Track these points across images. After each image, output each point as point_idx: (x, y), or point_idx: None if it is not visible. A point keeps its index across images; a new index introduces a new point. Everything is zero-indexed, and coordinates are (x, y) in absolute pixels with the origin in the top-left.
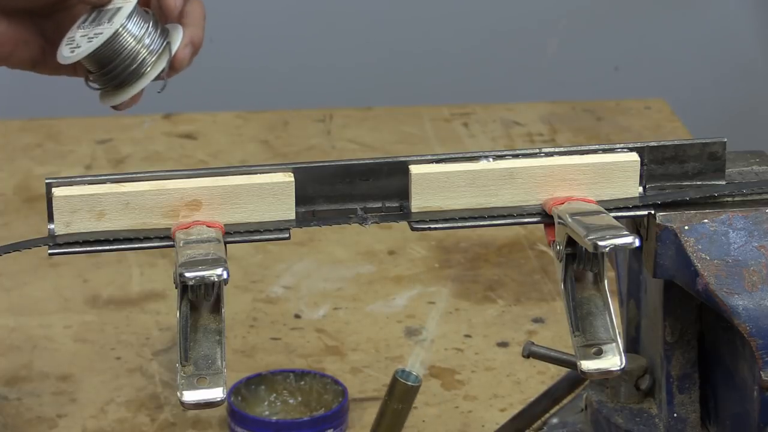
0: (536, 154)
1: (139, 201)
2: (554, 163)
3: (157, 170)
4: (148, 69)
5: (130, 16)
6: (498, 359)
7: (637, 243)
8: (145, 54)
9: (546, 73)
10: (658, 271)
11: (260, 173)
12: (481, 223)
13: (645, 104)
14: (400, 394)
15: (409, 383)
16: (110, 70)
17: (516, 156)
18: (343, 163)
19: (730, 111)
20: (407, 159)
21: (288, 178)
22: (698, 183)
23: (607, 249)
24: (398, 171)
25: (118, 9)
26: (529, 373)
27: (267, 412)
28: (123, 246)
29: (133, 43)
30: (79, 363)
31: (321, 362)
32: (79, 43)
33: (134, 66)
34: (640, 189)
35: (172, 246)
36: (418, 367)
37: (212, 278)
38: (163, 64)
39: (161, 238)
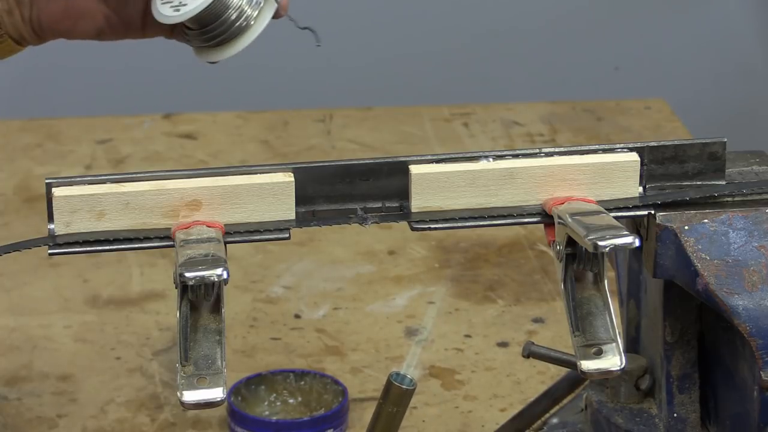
0: (536, 154)
1: (139, 201)
2: (554, 163)
3: (157, 170)
4: (252, 23)
5: None
6: (498, 359)
7: (637, 243)
8: (248, 9)
9: (546, 73)
10: (658, 271)
11: (260, 173)
12: (481, 223)
13: (645, 104)
14: (394, 398)
15: (404, 386)
16: (214, 27)
17: (516, 156)
18: (343, 163)
19: (730, 111)
20: (407, 159)
21: (288, 178)
22: (698, 183)
23: (607, 249)
24: (398, 171)
25: None
26: (529, 373)
27: (267, 412)
28: (123, 246)
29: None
30: (79, 363)
31: (321, 362)
32: (184, 1)
33: (239, 22)
34: (640, 189)
35: (172, 246)
36: (413, 370)
37: (212, 278)
38: (267, 19)
39: (161, 238)
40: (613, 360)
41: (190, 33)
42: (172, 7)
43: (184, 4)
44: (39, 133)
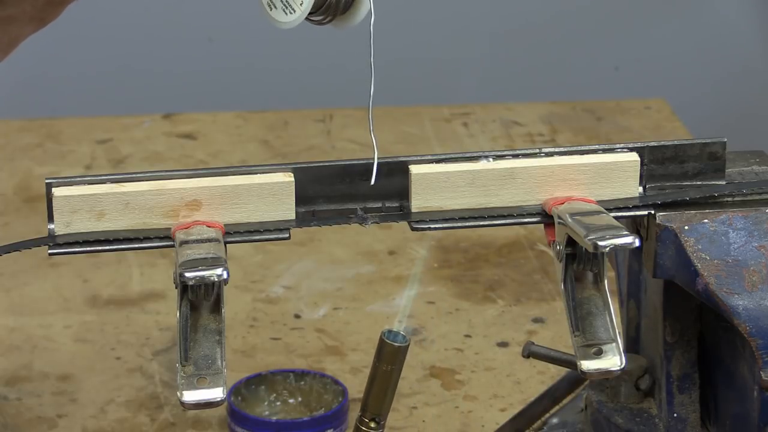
0: (536, 154)
1: (139, 201)
2: (554, 163)
3: (157, 170)
4: None
5: None
6: (498, 359)
7: (637, 243)
8: None
9: (546, 73)
10: (658, 271)
11: (260, 173)
12: (481, 223)
13: (645, 104)
14: (388, 356)
15: (397, 344)
16: (331, 3)
17: (516, 156)
18: (343, 163)
19: (730, 111)
20: (407, 159)
21: (288, 178)
22: (698, 183)
23: (607, 249)
24: (398, 171)
25: None
26: (529, 373)
27: (267, 412)
28: (123, 246)
29: None
30: (79, 363)
31: (321, 362)
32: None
33: None
34: (640, 189)
35: (172, 246)
36: (404, 325)
37: (212, 278)
38: None
39: (161, 238)
40: (613, 360)
41: (313, 20)
42: (283, 10)
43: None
44: (39, 133)
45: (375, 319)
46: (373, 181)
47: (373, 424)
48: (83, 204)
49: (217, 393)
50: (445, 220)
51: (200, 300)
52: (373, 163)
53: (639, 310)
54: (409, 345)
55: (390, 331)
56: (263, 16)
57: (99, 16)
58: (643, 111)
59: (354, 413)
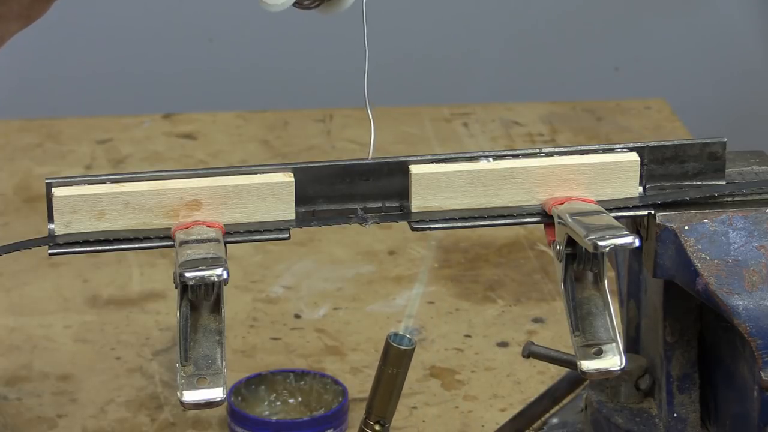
0: (536, 154)
1: (139, 201)
2: (554, 163)
3: (157, 170)
4: None
5: None
6: (498, 359)
7: (637, 243)
8: None
9: (546, 73)
10: (658, 271)
11: (260, 173)
12: (481, 223)
13: (645, 104)
14: (393, 359)
15: (402, 347)
16: None
17: (516, 156)
18: (343, 163)
19: (730, 111)
20: (407, 159)
21: (288, 178)
22: (698, 183)
23: (607, 249)
24: (398, 171)
25: None
26: (529, 373)
27: (267, 412)
28: (123, 246)
29: None
30: (79, 363)
31: (321, 362)
32: None
33: None
34: (640, 189)
35: (172, 246)
36: (411, 327)
37: (212, 278)
38: None
39: (161, 238)
40: (613, 360)
41: (302, 4)
42: None
43: None
44: (39, 133)
45: (375, 319)
46: (370, 156)
47: (377, 427)
48: (83, 204)
49: (217, 393)
50: (445, 220)
51: (200, 300)
52: (373, 161)
53: (639, 310)
54: (414, 348)
55: (396, 334)
56: None
57: (99, 16)
58: (643, 111)
59: (354, 413)
